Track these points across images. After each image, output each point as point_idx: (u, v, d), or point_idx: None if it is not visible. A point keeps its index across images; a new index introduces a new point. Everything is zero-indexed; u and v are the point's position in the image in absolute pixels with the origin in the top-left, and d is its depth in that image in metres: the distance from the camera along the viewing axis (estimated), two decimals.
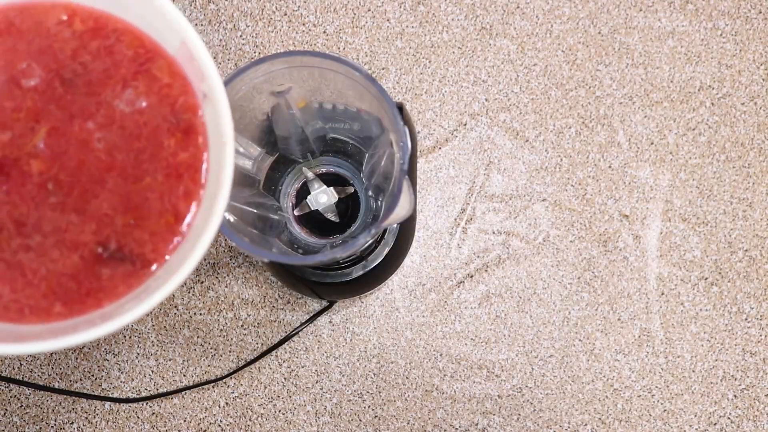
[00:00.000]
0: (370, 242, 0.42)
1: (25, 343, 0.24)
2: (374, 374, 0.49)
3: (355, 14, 0.51)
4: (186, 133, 0.28)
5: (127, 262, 0.27)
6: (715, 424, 0.49)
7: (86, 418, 0.49)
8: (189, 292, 0.50)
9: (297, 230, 0.44)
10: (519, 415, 0.49)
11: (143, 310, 0.25)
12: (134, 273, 0.27)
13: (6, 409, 0.49)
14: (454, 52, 0.51)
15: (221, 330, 0.50)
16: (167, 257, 0.27)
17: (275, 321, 0.50)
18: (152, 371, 0.49)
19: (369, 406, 0.49)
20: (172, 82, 0.28)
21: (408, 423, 0.49)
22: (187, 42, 0.27)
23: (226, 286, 0.50)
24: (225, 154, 0.26)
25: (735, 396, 0.49)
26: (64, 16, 0.28)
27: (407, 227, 0.45)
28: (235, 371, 0.49)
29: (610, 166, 0.51)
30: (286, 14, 0.52)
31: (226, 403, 0.49)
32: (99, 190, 0.27)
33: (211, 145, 0.28)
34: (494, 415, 0.49)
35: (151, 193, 0.27)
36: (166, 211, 0.27)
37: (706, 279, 0.50)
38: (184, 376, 0.49)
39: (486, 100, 0.51)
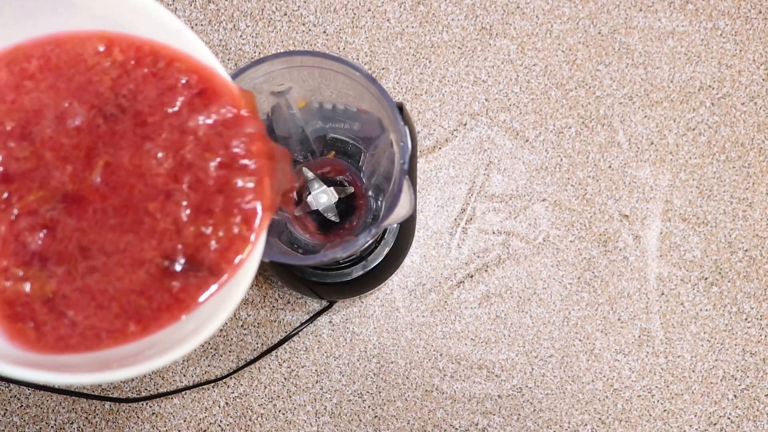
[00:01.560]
0: (370, 242, 0.42)
1: (112, 371, 0.24)
2: (374, 374, 0.49)
3: (355, 14, 0.51)
4: (263, 136, 0.28)
5: (203, 270, 0.27)
6: (715, 424, 0.49)
7: (86, 418, 0.49)
8: None
9: (297, 230, 0.44)
10: (519, 415, 0.49)
11: (222, 317, 0.25)
12: (207, 281, 0.27)
13: (6, 409, 0.49)
14: (454, 52, 0.51)
15: (221, 330, 0.50)
16: (238, 259, 0.27)
17: (275, 321, 0.50)
18: (152, 371, 0.49)
19: (369, 406, 0.49)
20: (237, 96, 0.28)
21: (408, 423, 0.49)
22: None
23: None
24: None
25: (735, 396, 0.49)
26: (101, 46, 0.28)
27: (407, 227, 0.45)
28: (235, 371, 0.49)
29: (610, 166, 0.50)
30: (286, 14, 0.52)
31: (226, 403, 0.49)
32: (156, 208, 0.27)
33: None
34: (494, 415, 0.49)
35: (228, 200, 0.28)
36: (239, 215, 0.28)
37: (706, 279, 0.50)
38: (184, 376, 0.49)
39: (486, 100, 0.51)
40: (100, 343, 0.26)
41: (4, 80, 0.27)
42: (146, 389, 0.49)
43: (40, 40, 0.28)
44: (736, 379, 0.49)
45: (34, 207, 0.26)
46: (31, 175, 0.27)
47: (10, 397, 0.49)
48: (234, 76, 0.31)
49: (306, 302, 0.50)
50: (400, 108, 0.41)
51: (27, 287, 0.26)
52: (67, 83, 0.28)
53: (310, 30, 0.51)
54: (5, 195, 0.26)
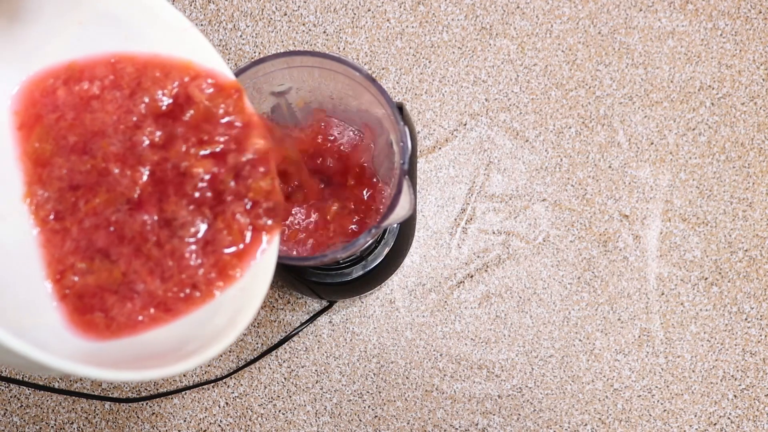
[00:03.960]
0: (370, 242, 0.42)
1: (168, 366, 0.24)
2: (374, 374, 0.49)
3: (355, 14, 0.51)
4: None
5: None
6: (715, 424, 0.49)
7: (86, 418, 0.49)
8: None
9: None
10: (519, 415, 0.49)
11: (258, 299, 0.27)
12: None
13: (6, 409, 0.49)
14: (454, 52, 0.51)
15: None
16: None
17: (275, 321, 0.50)
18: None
19: (369, 406, 0.49)
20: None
21: (408, 423, 0.49)
22: None
23: None
24: None
25: (735, 396, 0.49)
26: (186, 77, 0.28)
27: (407, 227, 0.45)
28: (235, 371, 0.49)
29: (610, 166, 0.50)
30: (286, 14, 0.52)
31: (226, 403, 0.49)
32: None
33: None
34: (494, 415, 0.49)
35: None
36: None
37: (706, 279, 0.50)
38: (184, 376, 0.49)
39: (486, 100, 0.51)
40: (192, 302, 0.27)
41: (63, 99, 0.28)
42: (146, 389, 0.49)
43: (100, 58, 0.28)
44: (736, 379, 0.49)
45: (100, 209, 0.27)
46: (98, 181, 0.27)
47: (10, 397, 0.49)
48: (234, 76, 0.31)
49: (306, 302, 0.50)
50: (400, 108, 0.41)
51: (93, 279, 0.27)
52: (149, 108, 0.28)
53: (310, 30, 0.51)
54: (73, 200, 0.27)
